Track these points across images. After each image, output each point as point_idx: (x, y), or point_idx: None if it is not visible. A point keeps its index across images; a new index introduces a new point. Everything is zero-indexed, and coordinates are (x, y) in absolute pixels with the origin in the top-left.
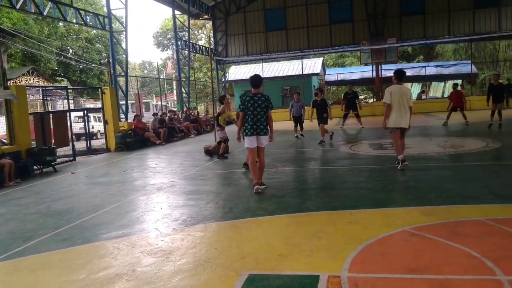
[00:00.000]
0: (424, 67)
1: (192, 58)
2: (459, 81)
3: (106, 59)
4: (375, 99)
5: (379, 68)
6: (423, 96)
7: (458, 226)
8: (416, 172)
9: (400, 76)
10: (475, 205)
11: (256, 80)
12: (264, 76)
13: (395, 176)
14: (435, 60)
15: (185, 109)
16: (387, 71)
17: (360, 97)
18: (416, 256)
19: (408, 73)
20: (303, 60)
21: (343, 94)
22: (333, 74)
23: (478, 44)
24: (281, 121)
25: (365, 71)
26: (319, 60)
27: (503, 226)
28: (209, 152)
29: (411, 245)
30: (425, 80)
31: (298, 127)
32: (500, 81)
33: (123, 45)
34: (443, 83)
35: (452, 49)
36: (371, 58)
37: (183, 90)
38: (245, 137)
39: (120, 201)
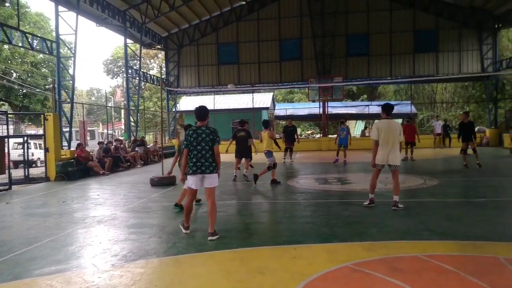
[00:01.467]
0: (368, 105)
1: (143, 87)
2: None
3: (52, 85)
4: (321, 135)
5: (326, 105)
6: (366, 133)
7: (397, 262)
8: (358, 207)
9: (388, 111)
10: (413, 241)
11: (201, 111)
12: (215, 108)
13: (339, 211)
14: (378, 100)
15: (132, 138)
16: (334, 108)
17: (308, 132)
18: None
19: (352, 111)
20: (254, 94)
21: (283, 128)
22: (282, 109)
23: (418, 86)
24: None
25: (313, 108)
26: (269, 95)
27: (439, 262)
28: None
29: (352, 281)
30: (368, 118)
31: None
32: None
33: (71, 71)
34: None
35: (393, 89)
36: (318, 95)
37: (132, 119)
38: (188, 175)
39: (56, 234)
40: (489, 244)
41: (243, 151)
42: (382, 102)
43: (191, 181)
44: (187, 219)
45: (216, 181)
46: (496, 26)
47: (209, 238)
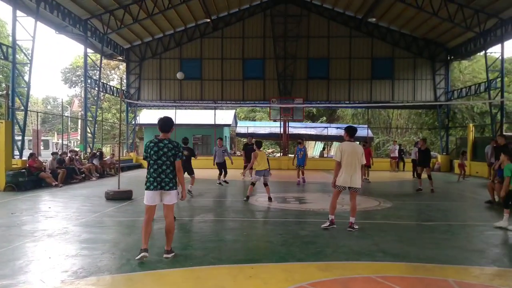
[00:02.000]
0: (327, 127)
1: (102, 98)
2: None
3: (5, 91)
4: (281, 154)
5: (287, 125)
6: (325, 154)
7: (351, 282)
8: (315, 227)
9: (351, 133)
10: (367, 262)
11: (164, 123)
12: (176, 123)
13: (296, 230)
14: (336, 122)
15: (88, 150)
16: (294, 128)
17: (268, 150)
18: None
19: (312, 132)
20: (216, 110)
21: (243, 145)
22: (244, 127)
23: (374, 111)
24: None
25: (274, 127)
26: (232, 112)
27: (391, 283)
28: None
29: None
30: (327, 139)
31: (222, 174)
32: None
33: (26, 78)
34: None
35: (351, 113)
36: (279, 115)
37: (88, 130)
38: (145, 191)
39: (3, 247)
40: (440, 267)
41: (185, 168)
42: (341, 125)
43: (147, 197)
44: (144, 239)
45: (175, 198)
46: (448, 57)
47: (165, 255)
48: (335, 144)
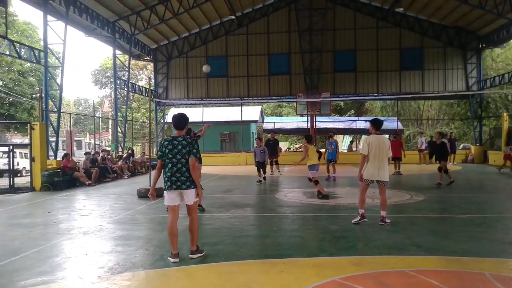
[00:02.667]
0: (355, 121)
1: (131, 98)
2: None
3: (39, 94)
4: None
5: (314, 120)
6: (353, 148)
7: (383, 277)
8: (346, 221)
9: (377, 126)
10: (399, 256)
11: (179, 120)
12: (204, 120)
13: (326, 225)
14: (365, 115)
15: (119, 149)
16: (322, 122)
17: (296, 146)
18: None
19: (340, 125)
20: (242, 107)
21: (265, 141)
22: (270, 123)
23: (404, 102)
24: (222, 165)
25: (301, 122)
26: (258, 108)
27: (425, 277)
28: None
29: None
30: (355, 133)
31: (262, 172)
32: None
33: (58, 80)
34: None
35: (380, 106)
36: (306, 109)
37: (119, 130)
38: (164, 191)
39: (41, 245)
40: (475, 260)
41: None
42: (369, 118)
43: (167, 198)
44: (173, 245)
45: (194, 196)
46: (480, 46)
47: (190, 256)
48: (364, 137)
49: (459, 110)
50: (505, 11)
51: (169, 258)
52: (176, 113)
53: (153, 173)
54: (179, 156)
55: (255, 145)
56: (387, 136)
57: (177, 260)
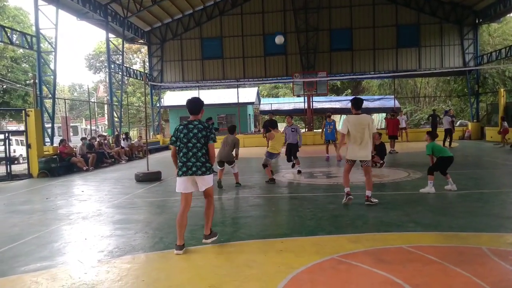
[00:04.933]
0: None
1: (126, 82)
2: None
3: (32, 80)
4: (306, 129)
5: (311, 100)
6: None
7: (382, 253)
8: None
9: (357, 106)
10: (397, 232)
11: (193, 104)
12: None
13: (325, 204)
14: (362, 94)
15: (116, 133)
16: (319, 103)
17: None
18: (343, 283)
19: (337, 105)
20: (238, 89)
21: (263, 123)
22: (267, 104)
23: (401, 80)
24: (218, 148)
25: (298, 102)
26: (254, 90)
27: (423, 253)
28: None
29: (338, 273)
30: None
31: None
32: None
33: (52, 66)
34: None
35: (377, 84)
36: (303, 90)
37: (115, 115)
38: (177, 178)
39: (41, 231)
40: (473, 235)
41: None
42: (367, 97)
43: (179, 184)
44: (180, 236)
45: (211, 181)
46: (476, 21)
47: (203, 240)
48: (344, 117)
49: (456, 87)
50: None
51: (174, 250)
52: (190, 97)
53: (151, 157)
54: (194, 140)
55: (285, 124)
56: (384, 115)
57: (180, 252)
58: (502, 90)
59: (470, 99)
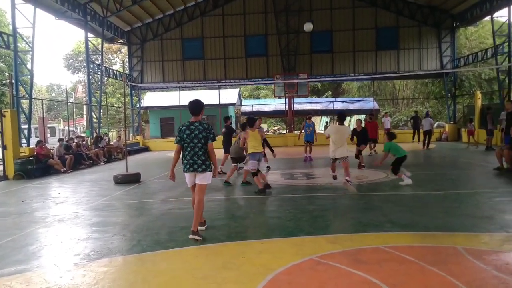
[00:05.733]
0: (332, 102)
1: (105, 82)
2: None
3: (9, 80)
4: (287, 131)
5: (292, 101)
6: None
7: (360, 254)
8: (323, 201)
9: (340, 120)
10: (375, 233)
11: (194, 106)
12: (180, 104)
13: (304, 205)
14: (342, 96)
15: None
16: (299, 104)
17: (274, 128)
18: (321, 284)
19: (317, 107)
20: (220, 90)
21: (241, 125)
22: (249, 105)
23: (380, 82)
24: None
25: (279, 104)
26: (236, 91)
27: (400, 253)
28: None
29: (316, 273)
30: (333, 114)
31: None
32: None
33: (29, 66)
34: (349, 118)
35: (356, 86)
36: (284, 91)
37: (94, 115)
38: (184, 173)
39: (15, 234)
40: (448, 235)
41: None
42: (347, 99)
43: (187, 180)
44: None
45: (208, 179)
46: (454, 24)
47: (190, 236)
48: (331, 124)
49: (434, 89)
50: None
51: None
52: (192, 99)
53: (131, 158)
54: (196, 140)
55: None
56: (363, 116)
57: (203, 228)
58: (478, 92)
59: (447, 101)
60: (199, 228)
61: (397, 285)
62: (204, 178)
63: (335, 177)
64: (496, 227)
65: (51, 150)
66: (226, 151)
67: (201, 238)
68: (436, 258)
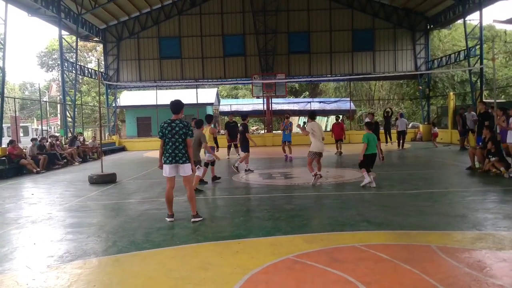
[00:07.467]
0: (310, 102)
1: (80, 81)
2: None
3: None
4: (265, 130)
5: (270, 101)
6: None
7: (336, 253)
8: (301, 200)
9: (312, 117)
10: (351, 232)
11: (175, 105)
12: (158, 104)
13: (282, 204)
14: (319, 97)
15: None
16: (277, 104)
17: (252, 128)
18: (297, 283)
19: (295, 107)
20: (198, 89)
21: (225, 124)
22: (227, 105)
23: (356, 83)
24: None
25: (257, 104)
26: (214, 90)
27: (375, 251)
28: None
29: (293, 273)
30: None
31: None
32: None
33: (0, 63)
34: (326, 118)
35: (333, 87)
36: (262, 91)
37: (68, 114)
38: (163, 165)
39: None
40: (422, 233)
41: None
42: (324, 99)
43: (166, 170)
44: (169, 208)
45: (190, 169)
46: (428, 27)
47: (192, 220)
48: (318, 118)
49: (408, 90)
50: None
51: (166, 219)
52: (171, 99)
53: (106, 158)
54: (177, 136)
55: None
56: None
57: (172, 219)
58: (451, 93)
59: (421, 102)
60: (168, 219)
61: (372, 283)
62: (187, 170)
63: (320, 175)
64: (468, 226)
65: (24, 150)
66: (246, 150)
67: (202, 218)
68: (411, 256)
